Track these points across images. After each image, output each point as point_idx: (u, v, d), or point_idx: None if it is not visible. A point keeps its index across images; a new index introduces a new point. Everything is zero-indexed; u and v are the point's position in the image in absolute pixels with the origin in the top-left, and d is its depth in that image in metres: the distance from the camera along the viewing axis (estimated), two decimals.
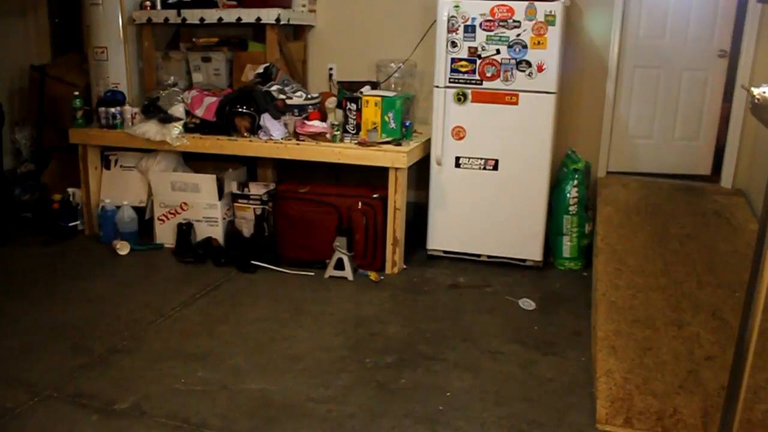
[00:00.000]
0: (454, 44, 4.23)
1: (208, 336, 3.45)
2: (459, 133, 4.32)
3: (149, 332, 3.49)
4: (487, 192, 4.35)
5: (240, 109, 4.46)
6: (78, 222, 4.99)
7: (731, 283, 3.40)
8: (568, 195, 4.37)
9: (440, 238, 4.50)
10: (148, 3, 5.02)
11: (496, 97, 4.22)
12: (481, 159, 4.32)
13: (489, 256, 4.46)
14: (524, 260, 4.41)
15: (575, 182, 4.37)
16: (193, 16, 4.90)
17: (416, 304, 3.90)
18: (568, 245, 4.44)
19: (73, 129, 4.85)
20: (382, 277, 4.23)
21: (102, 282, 4.16)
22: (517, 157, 4.26)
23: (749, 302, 1.86)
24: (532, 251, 4.38)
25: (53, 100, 5.60)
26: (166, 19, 4.97)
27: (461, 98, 4.28)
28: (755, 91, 1.84)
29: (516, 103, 4.20)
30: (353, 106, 4.33)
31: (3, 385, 2.97)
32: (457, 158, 4.36)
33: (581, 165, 4.43)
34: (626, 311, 3.20)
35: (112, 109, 4.74)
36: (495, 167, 4.31)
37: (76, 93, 4.92)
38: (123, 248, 4.61)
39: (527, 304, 3.89)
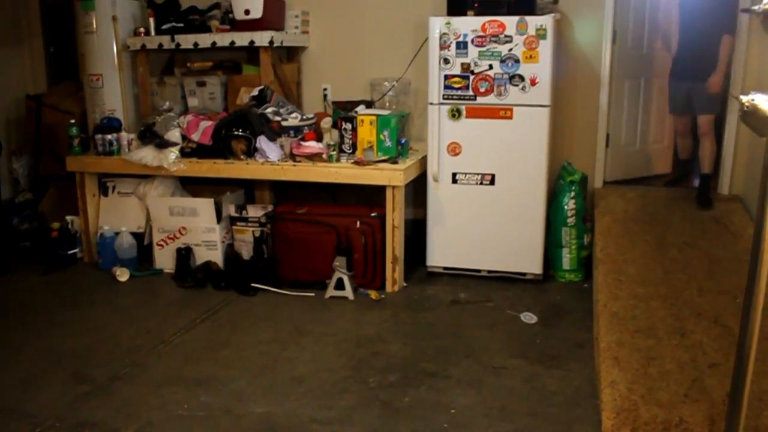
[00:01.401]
0: (446, 61, 4.25)
1: (210, 360, 3.44)
2: (455, 149, 4.33)
3: (150, 358, 3.47)
4: (484, 207, 4.35)
5: (236, 132, 4.47)
6: (77, 249, 4.99)
7: (732, 289, 3.39)
8: (565, 207, 4.38)
9: (440, 254, 4.50)
10: (142, 30, 5.05)
11: (490, 112, 4.24)
12: (478, 174, 4.33)
13: (489, 271, 4.46)
14: (524, 274, 4.40)
15: (572, 194, 4.38)
16: (186, 41, 4.93)
17: (418, 321, 3.89)
18: (567, 257, 4.44)
19: (70, 157, 4.87)
20: (382, 296, 4.23)
21: (102, 309, 4.15)
22: (513, 171, 4.27)
23: (748, 307, 1.86)
24: (532, 264, 4.37)
25: (50, 128, 5.61)
26: (161, 45, 5.00)
27: (456, 114, 4.29)
28: (744, 99, 1.85)
29: (510, 117, 4.22)
30: (348, 126, 4.35)
31: (4, 416, 2.95)
32: (454, 174, 4.36)
33: (578, 176, 4.44)
34: (628, 321, 3.20)
35: (109, 136, 4.75)
36: (492, 182, 4.31)
37: (73, 121, 4.94)
38: (122, 275, 4.61)
39: (529, 317, 3.88)
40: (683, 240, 4.11)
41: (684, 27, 4.72)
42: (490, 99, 4.23)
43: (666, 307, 3.31)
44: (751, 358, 1.89)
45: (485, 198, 4.34)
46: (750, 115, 1.85)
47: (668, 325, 3.13)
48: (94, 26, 5.07)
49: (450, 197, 4.40)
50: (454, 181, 4.37)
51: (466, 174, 4.35)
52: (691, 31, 4.63)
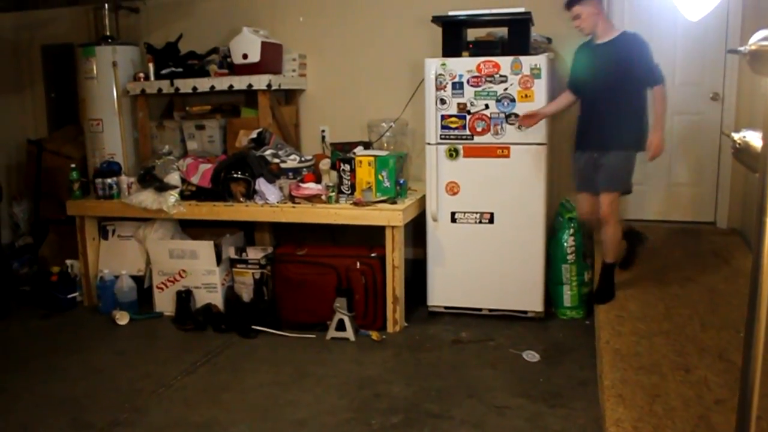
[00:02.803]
0: (443, 101, 4.30)
1: (211, 404, 3.40)
2: (453, 189, 4.35)
3: (151, 403, 3.44)
4: (484, 246, 4.35)
5: (235, 175, 4.50)
6: (77, 293, 4.97)
7: (735, 323, 3.38)
8: (565, 244, 4.39)
9: (440, 293, 4.48)
10: (141, 74, 5.12)
11: (487, 151, 4.27)
12: (477, 213, 4.35)
13: (490, 310, 4.44)
14: (525, 312, 4.38)
15: (571, 231, 4.39)
16: (185, 85, 4.99)
17: (420, 361, 3.87)
18: (568, 294, 4.43)
19: (70, 201, 4.89)
20: (384, 336, 4.20)
21: (102, 353, 4.12)
22: (512, 209, 4.28)
23: (749, 341, 1.85)
24: (533, 302, 4.36)
25: (50, 173, 5.65)
26: (160, 90, 5.06)
27: (453, 154, 4.32)
28: (735, 136, 1.87)
29: (508, 156, 4.25)
30: (347, 167, 4.38)
31: None
32: (453, 213, 4.38)
33: (576, 214, 4.45)
34: (631, 358, 3.18)
35: (109, 180, 4.78)
36: (491, 220, 4.32)
37: (73, 165, 4.98)
38: (122, 318, 4.59)
39: (531, 356, 3.86)
40: (684, 275, 4.11)
41: (584, 90, 4.03)
42: (487, 138, 4.27)
43: (669, 343, 3.30)
44: (755, 393, 1.87)
45: (485, 237, 4.35)
46: (742, 152, 1.86)
47: (672, 362, 3.11)
48: (95, 72, 5.15)
49: (449, 236, 4.41)
50: (453, 220, 4.38)
51: (465, 213, 4.36)
52: (592, 95, 3.97)
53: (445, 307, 4.51)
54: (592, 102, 3.98)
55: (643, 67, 3.77)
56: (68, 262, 5.04)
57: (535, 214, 4.27)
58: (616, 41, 3.86)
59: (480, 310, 4.45)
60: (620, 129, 3.84)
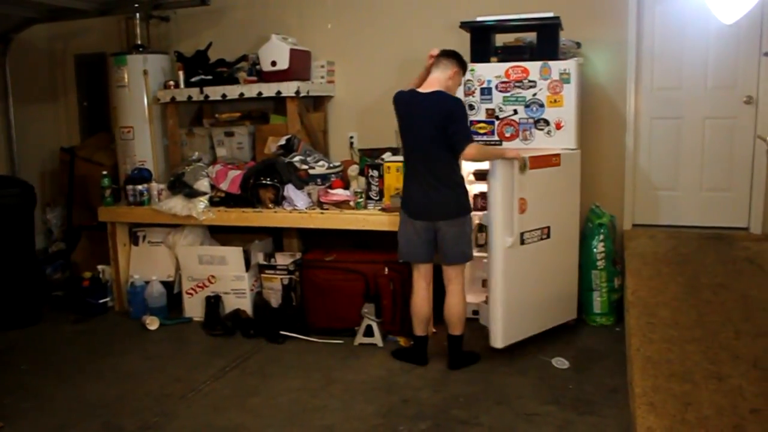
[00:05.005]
0: (471, 107, 4.29)
1: (240, 409, 3.42)
2: (522, 206, 3.93)
3: (180, 407, 3.47)
4: (544, 263, 4.10)
5: (264, 181, 4.53)
6: (108, 299, 5.04)
7: None
8: (594, 250, 4.34)
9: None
10: (171, 82, 5.18)
11: (545, 161, 4.00)
12: (539, 229, 4.06)
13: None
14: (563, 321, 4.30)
15: (601, 237, 4.35)
16: (215, 92, 5.04)
17: (448, 367, 3.85)
18: (598, 301, 4.39)
19: (102, 207, 4.96)
20: (411, 343, 4.19)
21: (132, 358, 4.17)
22: (559, 219, 4.15)
23: None
24: (569, 310, 4.29)
25: (82, 180, 5.74)
26: (190, 97, 5.11)
27: (523, 167, 4.16)
28: None
29: (559, 164, 4.03)
30: (375, 173, 4.38)
31: None
32: (522, 234, 4.02)
33: (606, 219, 4.41)
34: (663, 365, 3.13)
35: (139, 187, 4.84)
36: (548, 235, 4.09)
37: (105, 172, 5.05)
38: (152, 323, 4.64)
39: (560, 362, 3.82)
40: (717, 281, 4.04)
41: (410, 151, 3.78)
42: (516, 144, 4.24)
43: (701, 350, 3.24)
44: None
45: (545, 253, 4.06)
46: None
47: (704, 369, 3.06)
48: (126, 80, 5.22)
49: (518, 260, 3.93)
50: (522, 241, 3.91)
51: (531, 231, 3.98)
52: (418, 155, 3.73)
53: (474, 312, 4.47)
54: (420, 167, 3.74)
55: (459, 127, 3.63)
56: (100, 267, 5.11)
57: (571, 222, 4.21)
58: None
59: None
60: (451, 199, 3.73)
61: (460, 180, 3.78)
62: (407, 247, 3.87)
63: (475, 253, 4.10)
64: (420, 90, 3.75)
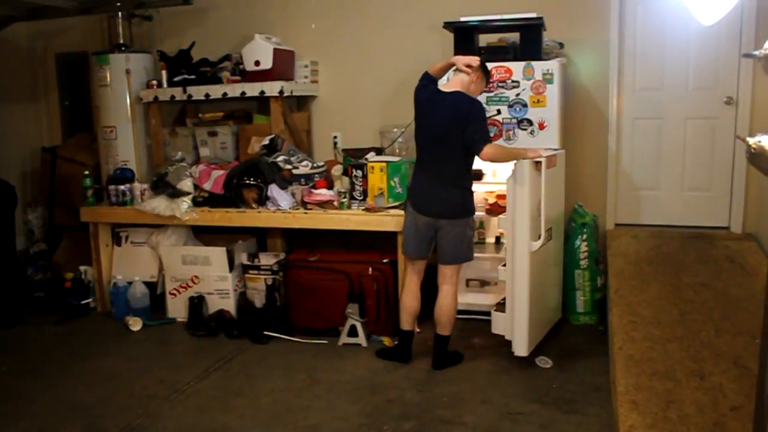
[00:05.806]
0: None
1: (224, 410, 3.41)
2: (539, 206, 4.13)
3: (164, 408, 3.45)
4: (546, 264, 4.17)
5: (247, 181, 4.51)
6: (90, 300, 5.00)
7: (750, 329, 3.35)
8: (577, 249, 4.37)
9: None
10: (154, 82, 5.15)
11: (547, 161, 4.03)
12: (546, 231, 4.19)
13: None
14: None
15: (584, 236, 4.37)
16: (198, 92, 5.02)
17: (432, 367, 3.86)
18: (581, 300, 4.41)
19: (84, 207, 4.92)
20: (396, 342, 4.19)
21: (115, 359, 4.14)
22: (550, 219, 4.12)
23: (766, 347, 1.83)
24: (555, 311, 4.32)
25: (64, 180, 5.69)
26: (173, 97, 5.09)
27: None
28: (750, 140, 1.86)
29: (555, 164, 4.05)
30: (359, 173, 4.38)
31: None
32: None
33: (589, 219, 4.43)
34: (645, 364, 3.16)
35: (122, 187, 4.81)
36: (549, 237, 4.11)
37: (86, 172, 5.01)
38: (135, 324, 4.61)
39: (544, 361, 3.84)
40: (698, 280, 4.08)
41: (423, 147, 3.82)
42: (500, 143, 4.24)
43: (683, 348, 3.27)
44: None
45: (546, 254, 4.09)
46: (757, 156, 1.85)
47: (686, 368, 3.09)
48: (108, 80, 5.19)
49: (528, 263, 3.87)
50: None
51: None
52: (430, 152, 3.76)
53: (458, 312, 4.45)
54: (431, 161, 3.79)
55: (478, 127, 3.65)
56: (82, 268, 5.07)
57: (561, 222, 4.22)
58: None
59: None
60: (455, 197, 3.75)
61: (469, 183, 3.80)
62: (406, 241, 3.90)
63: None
64: (442, 89, 3.78)
